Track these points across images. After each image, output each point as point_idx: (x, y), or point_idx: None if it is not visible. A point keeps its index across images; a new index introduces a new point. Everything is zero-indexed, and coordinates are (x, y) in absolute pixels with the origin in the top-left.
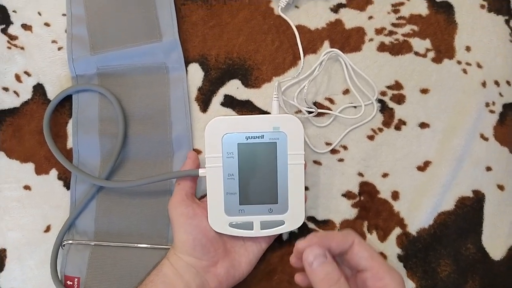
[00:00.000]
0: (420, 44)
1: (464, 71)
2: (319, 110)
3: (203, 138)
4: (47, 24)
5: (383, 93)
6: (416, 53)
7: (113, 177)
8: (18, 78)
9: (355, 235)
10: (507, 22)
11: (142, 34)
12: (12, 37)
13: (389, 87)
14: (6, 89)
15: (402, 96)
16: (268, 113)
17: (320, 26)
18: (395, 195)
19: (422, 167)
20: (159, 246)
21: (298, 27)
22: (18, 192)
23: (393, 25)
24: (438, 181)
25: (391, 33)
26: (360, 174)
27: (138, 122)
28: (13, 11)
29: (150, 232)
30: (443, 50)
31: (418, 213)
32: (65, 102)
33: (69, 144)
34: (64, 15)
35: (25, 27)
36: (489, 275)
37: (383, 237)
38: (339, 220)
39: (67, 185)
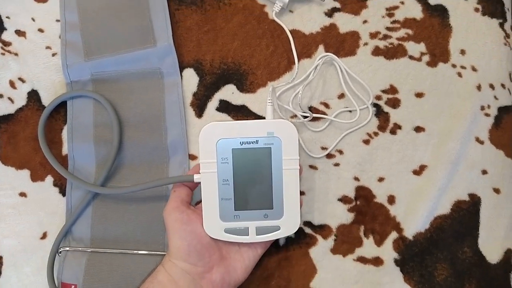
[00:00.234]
0: (414, 48)
1: (459, 74)
2: (314, 115)
3: (198, 144)
4: (41, 30)
5: (378, 97)
6: (411, 57)
7: (108, 183)
8: (12, 84)
9: None
10: (501, 25)
11: (136, 39)
12: (5, 43)
13: (384, 91)
14: (0, 95)
15: (397, 100)
16: (264, 118)
17: (315, 31)
18: (391, 199)
19: (418, 171)
20: (155, 253)
21: (292, 31)
22: (13, 199)
23: (388, 29)
24: (434, 185)
25: (385, 37)
26: (356, 179)
27: (133, 127)
28: (7, 17)
29: (146, 239)
30: (438, 54)
31: (414, 217)
32: (60, 108)
33: (64, 150)
34: (58, 21)
35: (19, 33)
36: (485, 278)
37: (379, 242)
38: (336, 225)
39: (62, 192)
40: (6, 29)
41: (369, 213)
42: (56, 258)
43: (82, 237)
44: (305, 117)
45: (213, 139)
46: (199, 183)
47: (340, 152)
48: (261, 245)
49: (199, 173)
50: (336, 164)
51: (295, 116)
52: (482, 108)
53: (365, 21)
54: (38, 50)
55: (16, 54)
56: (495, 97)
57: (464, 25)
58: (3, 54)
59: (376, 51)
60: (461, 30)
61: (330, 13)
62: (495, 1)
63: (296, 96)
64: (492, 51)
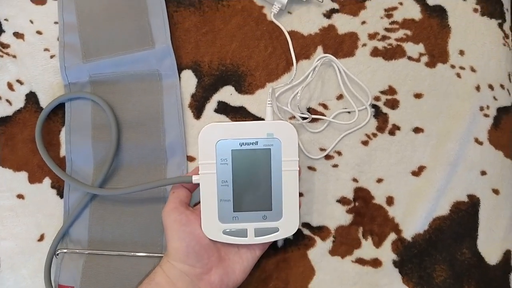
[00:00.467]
0: (413, 49)
1: (458, 75)
2: (313, 116)
3: (196, 145)
4: (39, 32)
5: (377, 98)
6: (410, 58)
7: (106, 185)
8: (10, 86)
9: None
10: (500, 25)
11: (135, 41)
12: (4, 46)
13: (382, 92)
14: None
15: (396, 101)
16: (262, 119)
17: (313, 32)
18: (390, 201)
19: (417, 172)
20: (153, 255)
21: (291, 32)
22: (11, 201)
23: (386, 30)
24: (432, 186)
25: (384, 38)
26: (355, 180)
27: (131, 129)
28: (5, 20)
29: (144, 240)
30: (437, 55)
31: (413, 218)
32: (58, 110)
33: (62, 152)
34: (56, 23)
35: (17, 35)
36: (484, 279)
37: (378, 243)
38: (334, 226)
39: (60, 194)
40: (4, 31)
41: (367, 214)
42: (53, 260)
43: (79, 239)
44: (304, 118)
45: (213, 140)
46: (198, 184)
47: (339, 153)
48: (260, 246)
49: (198, 174)
50: (335, 165)
51: (294, 117)
52: (481, 108)
53: (363, 22)
54: (36, 52)
55: (14, 56)
56: (494, 98)
57: (463, 25)
58: (1, 56)
59: (375, 52)
60: (460, 31)
61: (328, 14)
62: (494, 1)
63: (295, 97)
64: (491, 52)
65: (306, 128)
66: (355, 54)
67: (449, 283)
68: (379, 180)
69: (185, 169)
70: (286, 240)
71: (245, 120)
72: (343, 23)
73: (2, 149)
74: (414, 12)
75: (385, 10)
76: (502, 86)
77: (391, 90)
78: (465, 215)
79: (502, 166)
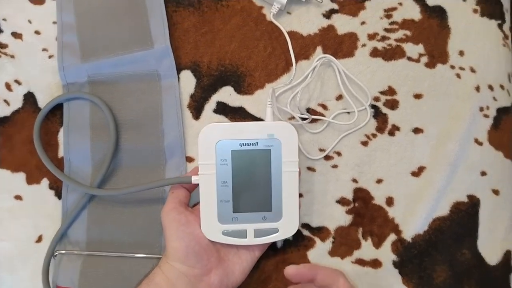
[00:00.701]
0: (413, 49)
1: (458, 75)
2: (313, 117)
3: (196, 146)
4: (37, 32)
5: (376, 99)
6: (409, 58)
7: (104, 186)
8: (8, 86)
9: (343, 276)
10: (499, 26)
11: (134, 41)
12: (2, 45)
13: (382, 93)
14: None
15: (396, 102)
16: (261, 120)
17: (313, 32)
18: (390, 201)
19: (417, 173)
20: (152, 256)
21: (290, 33)
22: (9, 202)
23: (386, 30)
24: (432, 187)
25: (383, 38)
26: (354, 180)
27: (130, 130)
28: (3, 19)
29: (142, 241)
30: (436, 55)
31: (413, 219)
32: (56, 110)
33: (61, 153)
34: (54, 23)
35: (15, 35)
36: (485, 280)
37: (378, 244)
38: (334, 227)
39: (58, 195)
40: (2, 31)
41: (367, 215)
42: (51, 262)
43: (78, 240)
44: (304, 119)
45: (213, 141)
46: (197, 185)
47: (338, 153)
48: (259, 247)
49: (197, 174)
50: (334, 166)
51: (293, 118)
52: (481, 109)
53: (363, 23)
54: (34, 52)
55: (12, 56)
56: (494, 98)
57: (462, 26)
58: None
59: (374, 53)
60: (459, 31)
61: (328, 14)
62: (494, 2)
63: (294, 98)
64: (491, 52)
65: (306, 129)
66: (355, 54)
67: (449, 284)
68: (379, 181)
69: (184, 169)
70: (285, 241)
71: (244, 121)
72: (343, 24)
73: (0, 150)
74: (414, 12)
75: (385, 10)
76: (502, 86)
77: (390, 91)
78: (465, 216)
79: (502, 166)
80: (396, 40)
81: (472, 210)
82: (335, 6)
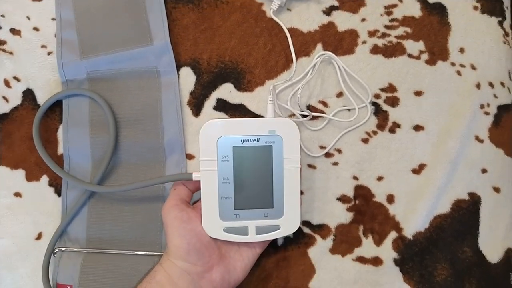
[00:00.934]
0: (413, 46)
1: (458, 73)
2: (313, 114)
3: (195, 143)
4: (36, 29)
5: (377, 96)
6: (410, 55)
7: (104, 183)
8: (7, 83)
9: None
10: (500, 23)
11: (133, 38)
12: (0, 42)
13: (383, 90)
14: None
15: (396, 99)
16: (262, 117)
17: (313, 29)
18: (390, 199)
19: (417, 170)
20: (151, 253)
21: (290, 29)
22: (8, 199)
23: (386, 27)
24: (433, 184)
25: (384, 35)
26: (355, 178)
27: (130, 127)
28: (1, 16)
29: (142, 239)
30: (437, 52)
31: (414, 217)
32: (56, 107)
33: (60, 150)
34: (53, 19)
35: (14, 31)
36: (486, 278)
37: (378, 241)
38: (334, 225)
39: (58, 192)
40: (0, 28)
41: (368, 212)
42: (51, 259)
43: (77, 238)
44: (304, 116)
45: (214, 137)
46: (199, 186)
47: (339, 151)
48: (260, 244)
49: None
50: (335, 163)
51: (294, 115)
52: (482, 106)
53: (363, 19)
54: (33, 49)
55: (11, 53)
56: (495, 96)
57: (463, 23)
58: None
59: (375, 50)
60: (460, 28)
61: (328, 11)
62: None
63: (295, 95)
64: (491, 50)
65: (306, 126)
66: (355, 51)
67: (450, 282)
68: (380, 178)
69: (183, 167)
70: (286, 238)
71: (245, 118)
72: (343, 20)
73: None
74: (414, 9)
75: (385, 7)
76: (502, 84)
77: (391, 88)
78: (466, 213)
79: (503, 164)
80: (396, 37)
81: (473, 207)
82: (336, 3)
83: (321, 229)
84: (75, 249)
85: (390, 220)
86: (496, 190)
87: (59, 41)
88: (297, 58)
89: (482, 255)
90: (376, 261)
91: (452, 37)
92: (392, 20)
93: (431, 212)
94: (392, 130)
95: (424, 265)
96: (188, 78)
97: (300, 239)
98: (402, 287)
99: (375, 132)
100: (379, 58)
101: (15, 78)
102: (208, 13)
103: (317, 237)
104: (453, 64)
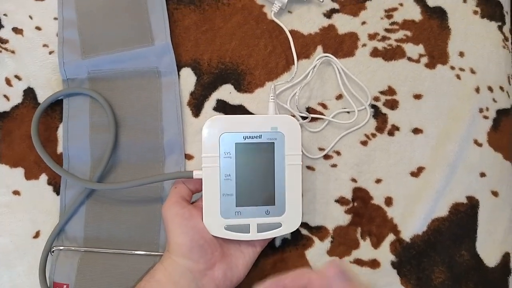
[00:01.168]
0: (413, 50)
1: (458, 76)
2: (312, 115)
3: (195, 143)
4: (38, 28)
5: (376, 99)
6: (409, 59)
7: (103, 182)
8: (8, 82)
9: (312, 273)
10: (500, 28)
11: (134, 38)
12: (2, 41)
13: (382, 93)
14: None
15: (395, 102)
16: None
17: (313, 31)
18: (389, 201)
19: (416, 173)
20: (149, 253)
21: (291, 32)
22: (7, 197)
23: (386, 30)
24: (431, 187)
25: (384, 38)
26: (353, 180)
27: (129, 126)
28: (4, 15)
29: (140, 239)
30: (436, 56)
31: (412, 219)
32: (56, 106)
33: (60, 148)
34: (55, 19)
35: (16, 30)
36: (483, 282)
37: (376, 244)
38: (332, 227)
39: (57, 190)
40: (3, 27)
41: (366, 214)
42: (48, 258)
43: (75, 237)
44: (304, 118)
45: (216, 133)
46: (200, 185)
47: (338, 153)
48: (260, 241)
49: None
50: (334, 165)
51: (293, 116)
52: (481, 110)
53: (363, 23)
54: (35, 48)
55: (12, 52)
56: (494, 100)
57: (463, 27)
58: None
59: (375, 53)
60: (460, 33)
61: (329, 14)
62: (494, 4)
63: (294, 97)
64: (491, 54)
65: (305, 127)
66: (355, 54)
67: (447, 285)
68: (378, 181)
69: (182, 167)
70: (284, 240)
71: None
72: (343, 23)
73: None
74: (414, 13)
75: (385, 10)
76: (501, 88)
77: (390, 91)
78: (464, 217)
79: (501, 168)
80: (396, 40)
81: (471, 211)
82: (336, 6)
83: (319, 231)
84: (73, 248)
85: (388, 223)
86: (495, 194)
87: (61, 40)
88: (297, 60)
89: (480, 259)
90: (373, 264)
91: (452, 41)
92: (392, 23)
93: (429, 215)
94: (391, 133)
95: (421, 268)
96: (188, 79)
97: (298, 241)
98: None
99: (374, 135)
100: (379, 61)
101: (16, 76)
102: (210, 15)
103: (315, 238)
104: (452, 68)
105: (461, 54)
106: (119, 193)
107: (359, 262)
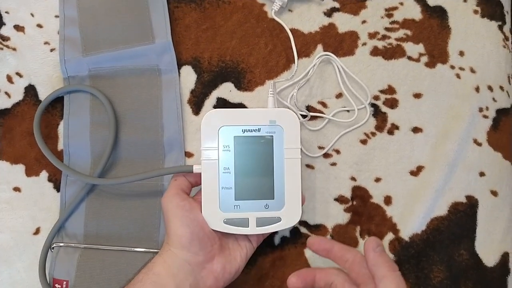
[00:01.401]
0: (413, 49)
1: (458, 76)
2: (312, 114)
3: (195, 141)
4: (39, 26)
5: (376, 97)
6: (409, 58)
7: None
8: (9, 79)
9: (339, 274)
10: (500, 27)
11: (135, 36)
12: (4, 38)
13: (382, 91)
14: None
15: (395, 101)
16: None
17: (314, 30)
18: (388, 200)
19: (415, 172)
20: (149, 250)
21: (291, 30)
22: (7, 194)
23: (387, 29)
24: (431, 186)
25: (384, 37)
26: (353, 179)
27: (130, 124)
28: (6, 12)
29: (140, 236)
30: (436, 55)
31: (411, 218)
32: (57, 103)
33: (60, 145)
34: (57, 16)
35: (18, 28)
36: (482, 281)
37: None
38: (332, 225)
39: (57, 187)
40: (4, 24)
41: (365, 213)
42: (48, 254)
43: (75, 233)
44: (304, 116)
45: (216, 126)
46: (199, 179)
47: (337, 151)
48: (255, 237)
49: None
50: (333, 164)
51: None
52: (481, 109)
53: (364, 21)
54: (36, 45)
55: (14, 49)
56: (494, 99)
57: (463, 26)
58: (1, 48)
59: (375, 51)
60: (460, 32)
61: (329, 13)
62: (494, 3)
63: (294, 95)
64: (491, 53)
65: (305, 126)
66: (355, 53)
67: (446, 284)
68: (377, 179)
69: (182, 164)
70: (283, 238)
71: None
72: (344, 22)
73: (0, 141)
74: (415, 12)
75: (386, 9)
76: (501, 87)
77: (390, 90)
78: (463, 216)
79: (501, 167)
80: (396, 39)
81: (470, 210)
82: (336, 5)
83: (318, 229)
84: (72, 245)
85: (387, 222)
86: (494, 193)
87: (62, 38)
88: (297, 59)
89: (479, 258)
90: None
91: (452, 40)
92: (393, 22)
93: (428, 214)
94: (390, 132)
95: (420, 267)
96: (189, 77)
97: (297, 239)
98: None
99: (373, 134)
100: (379, 60)
101: (17, 74)
102: (210, 13)
103: None
104: (452, 67)
105: (461, 54)
106: (119, 190)
107: None
